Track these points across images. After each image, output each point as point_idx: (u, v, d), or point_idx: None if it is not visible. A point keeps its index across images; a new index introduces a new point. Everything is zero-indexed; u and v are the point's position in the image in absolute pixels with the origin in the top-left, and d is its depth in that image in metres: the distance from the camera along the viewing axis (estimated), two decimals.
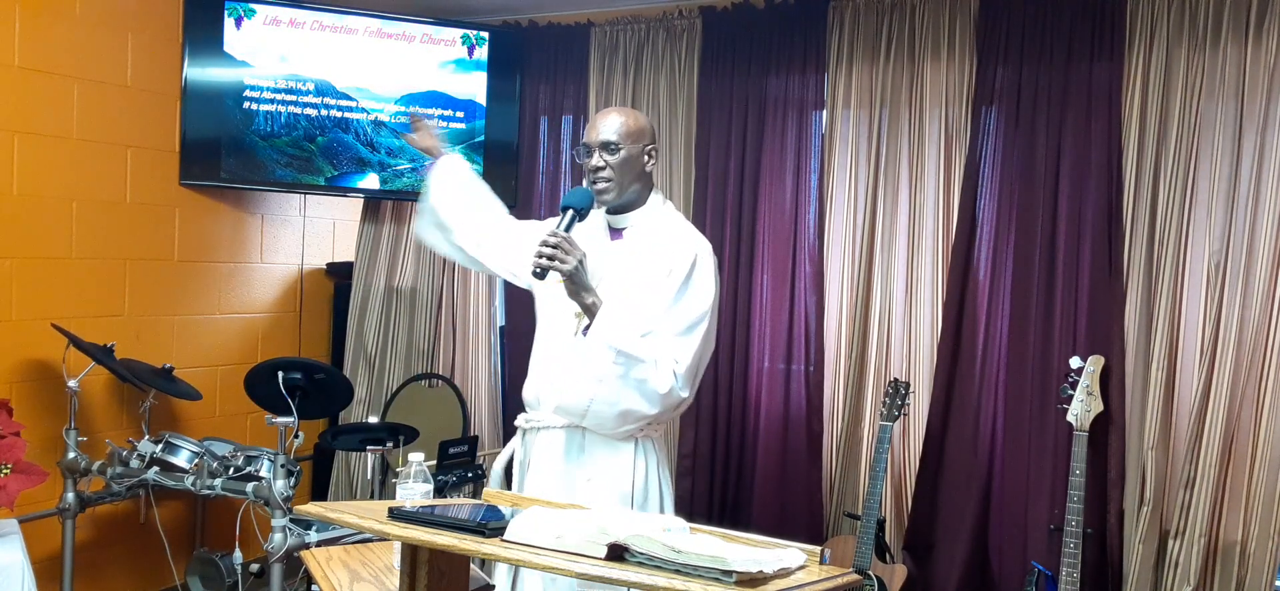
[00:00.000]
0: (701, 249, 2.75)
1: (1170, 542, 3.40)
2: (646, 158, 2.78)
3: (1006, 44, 3.66)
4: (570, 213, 2.67)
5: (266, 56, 4.33)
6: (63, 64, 3.85)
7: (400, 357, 4.81)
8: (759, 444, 4.09)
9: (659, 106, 4.27)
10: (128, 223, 4.12)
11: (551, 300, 2.80)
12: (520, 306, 4.64)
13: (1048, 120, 3.61)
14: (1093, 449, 3.39)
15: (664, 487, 2.80)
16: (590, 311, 2.62)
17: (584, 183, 2.82)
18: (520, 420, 2.88)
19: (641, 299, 2.67)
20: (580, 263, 2.60)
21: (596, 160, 2.73)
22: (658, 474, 2.78)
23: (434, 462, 3.67)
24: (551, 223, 2.86)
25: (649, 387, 2.62)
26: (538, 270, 2.59)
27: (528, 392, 2.87)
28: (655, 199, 2.84)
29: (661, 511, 2.74)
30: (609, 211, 2.82)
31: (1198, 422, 3.34)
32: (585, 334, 2.63)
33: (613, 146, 2.72)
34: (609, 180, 2.74)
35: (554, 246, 2.57)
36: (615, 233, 2.82)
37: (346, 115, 4.44)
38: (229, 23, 4.27)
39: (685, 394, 2.69)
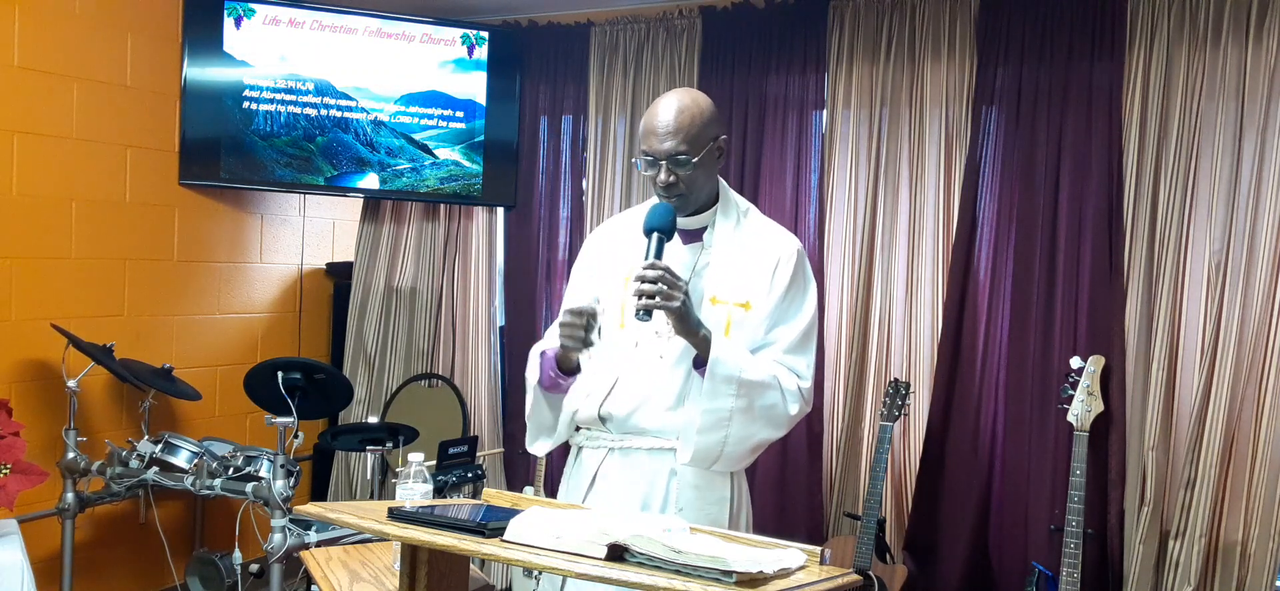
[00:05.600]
0: (798, 241, 2.51)
1: (1171, 543, 3.40)
2: (718, 154, 2.43)
3: (1007, 44, 3.66)
4: (656, 236, 2.32)
5: (266, 56, 4.33)
6: (62, 64, 3.84)
7: (400, 357, 4.81)
8: None
9: None
10: (127, 223, 4.12)
11: (620, 307, 2.47)
12: (520, 306, 4.64)
13: (1048, 120, 3.60)
14: (1093, 449, 3.39)
15: (750, 516, 2.58)
16: (702, 346, 2.32)
17: (653, 189, 2.44)
18: (585, 438, 2.51)
19: (739, 308, 2.41)
20: (686, 295, 2.29)
21: (665, 176, 2.36)
22: (747, 506, 2.55)
23: (434, 463, 3.67)
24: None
25: (778, 413, 2.39)
26: (643, 312, 2.25)
27: (589, 409, 2.47)
28: (725, 190, 2.52)
29: None
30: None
31: (1198, 423, 3.34)
32: (698, 369, 2.35)
33: (683, 159, 2.34)
34: (682, 194, 2.38)
35: (655, 281, 2.24)
36: (689, 235, 2.48)
37: (346, 115, 4.44)
38: (228, 22, 4.27)
39: (807, 410, 2.47)
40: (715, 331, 2.36)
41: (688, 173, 2.35)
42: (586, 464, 2.49)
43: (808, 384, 2.44)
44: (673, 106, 2.36)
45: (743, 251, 2.45)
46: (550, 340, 2.50)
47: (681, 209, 2.41)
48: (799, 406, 2.41)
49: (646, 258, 2.30)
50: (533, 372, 2.51)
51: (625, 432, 2.44)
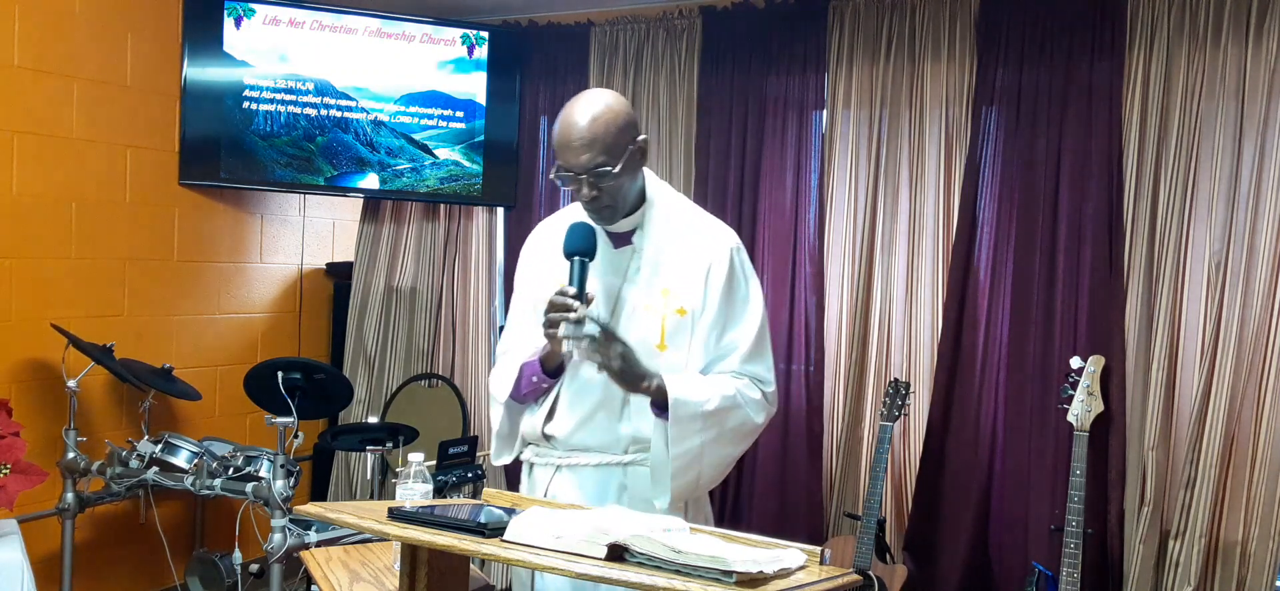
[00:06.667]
0: (732, 237, 2.38)
1: (1171, 543, 3.40)
2: (639, 156, 2.29)
3: (1007, 44, 3.66)
4: (578, 261, 2.20)
5: (266, 56, 4.33)
6: (62, 64, 3.84)
7: (400, 357, 4.81)
8: (759, 444, 4.08)
9: (659, 106, 4.27)
10: (127, 222, 4.12)
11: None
12: None
13: (1048, 120, 3.61)
14: (1093, 449, 3.39)
15: (709, 517, 2.50)
16: (657, 392, 2.20)
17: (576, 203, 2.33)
18: (535, 455, 2.43)
19: (675, 314, 2.30)
20: (624, 349, 2.18)
21: (588, 192, 2.22)
22: (704, 515, 2.46)
23: (433, 463, 3.67)
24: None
25: (747, 429, 2.32)
26: (574, 353, 2.20)
27: (533, 426, 2.41)
28: (651, 184, 2.37)
29: None
30: None
31: (1198, 423, 3.34)
32: (659, 413, 2.24)
33: (602, 171, 2.20)
34: (608, 206, 2.26)
35: (586, 333, 2.12)
36: (619, 238, 2.36)
37: (346, 115, 4.44)
38: (228, 22, 4.27)
39: (773, 413, 2.38)
40: (669, 376, 2.23)
41: (610, 184, 2.21)
42: (538, 481, 2.43)
43: (771, 387, 2.35)
44: (585, 115, 2.21)
45: (675, 253, 2.33)
46: (513, 351, 2.43)
47: (609, 220, 2.30)
48: (765, 415, 2.34)
49: (571, 282, 2.18)
50: (503, 388, 2.40)
51: (571, 449, 2.36)
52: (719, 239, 2.36)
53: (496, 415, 2.45)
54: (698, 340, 2.30)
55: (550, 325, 2.18)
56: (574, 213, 2.38)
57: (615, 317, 2.32)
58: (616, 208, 2.28)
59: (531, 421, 2.41)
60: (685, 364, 2.30)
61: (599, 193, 2.23)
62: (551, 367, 2.34)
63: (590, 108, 2.24)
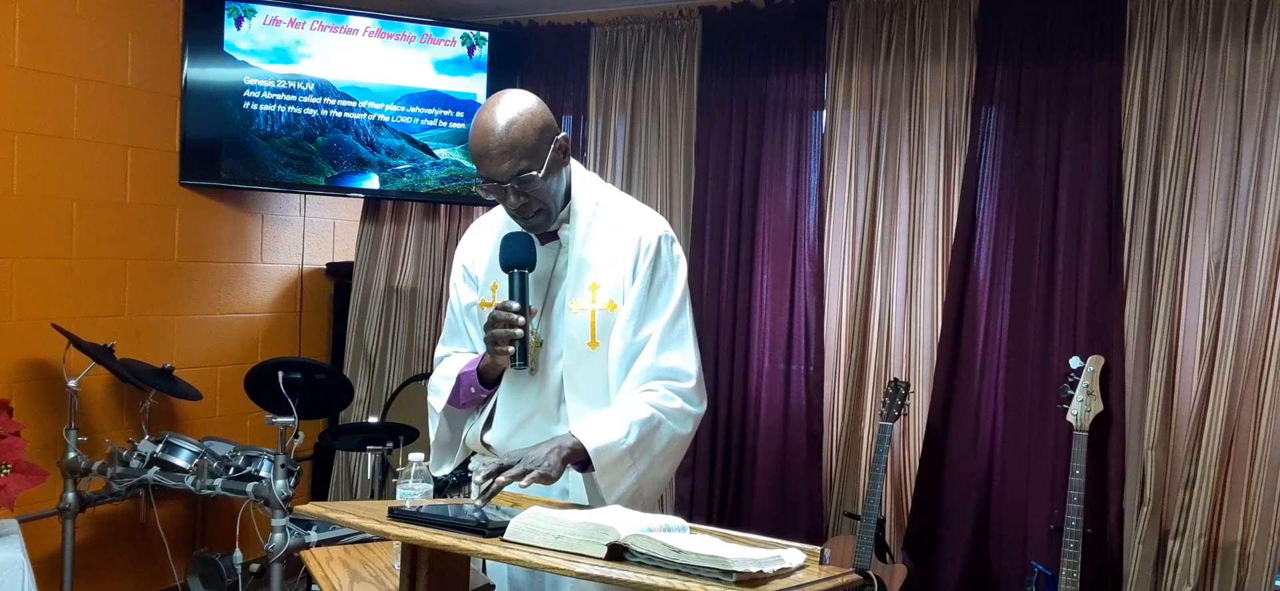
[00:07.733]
0: (662, 225, 2.32)
1: (1170, 542, 3.40)
2: (562, 154, 2.23)
3: (1007, 44, 3.66)
4: (517, 273, 2.20)
5: (267, 56, 4.33)
6: (62, 64, 3.85)
7: (400, 357, 4.82)
8: (759, 444, 4.09)
9: (659, 107, 4.27)
10: (128, 223, 4.12)
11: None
12: None
13: (1048, 120, 3.61)
14: (1093, 449, 3.39)
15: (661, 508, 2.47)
16: (576, 455, 2.12)
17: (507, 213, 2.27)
18: (478, 463, 2.36)
19: (605, 310, 2.25)
20: (553, 456, 2.08)
21: (515, 201, 2.18)
22: (655, 503, 2.40)
23: None
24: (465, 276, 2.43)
25: (677, 441, 2.23)
26: (518, 361, 2.18)
27: (473, 433, 2.40)
28: (577, 178, 2.31)
29: None
30: None
31: (1197, 422, 3.34)
32: (580, 469, 2.18)
33: (525, 176, 2.14)
34: (539, 211, 2.21)
35: (523, 471, 2.04)
36: (546, 235, 2.30)
37: (346, 115, 4.44)
38: (229, 22, 4.27)
39: (704, 407, 2.29)
40: (581, 428, 2.16)
41: (536, 188, 2.16)
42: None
43: (691, 382, 2.23)
44: (501, 121, 2.14)
45: (603, 246, 2.27)
46: (452, 357, 2.41)
47: (542, 226, 2.24)
48: (693, 420, 2.25)
49: (511, 296, 2.18)
50: (440, 398, 2.37)
51: (510, 457, 2.28)
52: (649, 228, 2.29)
53: (435, 424, 2.42)
54: (618, 329, 2.23)
55: (494, 342, 2.18)
56: (501, 218, 2.34)
57: (546, 316, 2.29)
58: (548, 211, 2.23)
59: (473, 431, 2.39)
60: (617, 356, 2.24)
61: (526, 200, 2.18)
62: (490, 379, 2.31)
63: (506, 112, 2.17)
